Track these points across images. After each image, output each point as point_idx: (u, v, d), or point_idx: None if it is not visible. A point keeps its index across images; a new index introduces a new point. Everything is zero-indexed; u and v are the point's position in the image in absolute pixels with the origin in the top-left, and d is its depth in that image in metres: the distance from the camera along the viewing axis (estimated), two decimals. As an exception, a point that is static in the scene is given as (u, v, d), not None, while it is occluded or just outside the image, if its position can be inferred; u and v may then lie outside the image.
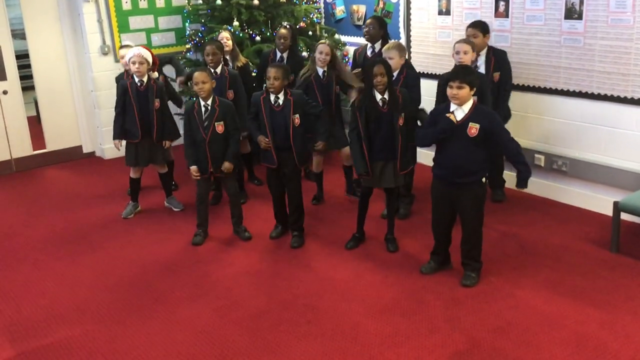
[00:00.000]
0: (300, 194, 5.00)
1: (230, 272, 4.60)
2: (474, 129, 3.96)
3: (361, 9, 7.03)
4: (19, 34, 7.41)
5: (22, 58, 7.31)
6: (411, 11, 6.43)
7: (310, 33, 6.94)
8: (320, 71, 5.38)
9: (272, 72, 4.68)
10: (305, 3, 7.29)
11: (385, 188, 4.71)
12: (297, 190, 4.97)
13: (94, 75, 7.15)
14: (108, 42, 7.18)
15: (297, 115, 4.75)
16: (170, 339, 3.81)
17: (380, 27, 5.62)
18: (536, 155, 5.54)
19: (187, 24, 7.43)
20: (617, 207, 4.57)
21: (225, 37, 5.87)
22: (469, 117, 3.99)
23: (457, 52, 4.82)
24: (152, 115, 5.34)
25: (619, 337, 3.61)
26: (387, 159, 4.55)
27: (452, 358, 3.50)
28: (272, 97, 4.76)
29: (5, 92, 6.92)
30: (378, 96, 4.48)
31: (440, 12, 6.12)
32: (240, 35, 6.57)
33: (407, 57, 5.02)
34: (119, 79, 5.78)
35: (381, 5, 6.75)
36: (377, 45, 5.63)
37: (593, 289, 4.13)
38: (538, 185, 5.66)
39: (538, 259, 4.56)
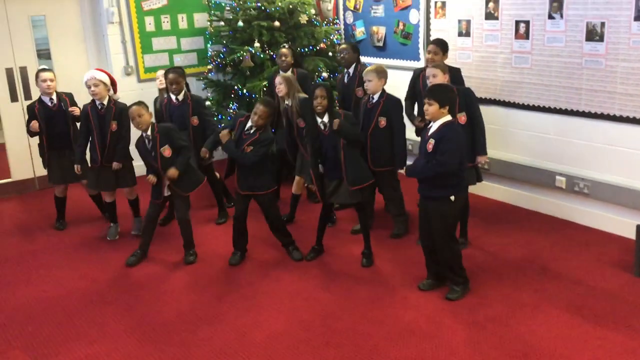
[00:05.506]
0: (277, 216, 5.05)
1: (249, 292, 4.60)
2: (430, 144, 4.13)
3: (381, 31, 7.07)
4: (44, 54, 7.55)
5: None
6: (431, 33, 6.46)
7: (330, 54, 7.00)
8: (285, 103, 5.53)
9: (259, 109, 4.74)
10: (326, 24, 7.37)
11: (355, 206, 4.91)
12: (272, 212, 5.01)
13: (117, 95, 7.23)
14: (131, 62, 7.30)
15: (251, 147, 4.78)
16: (188, 358, 3.81)
17: (354, 51, 5.83)
18: (557, 177, 5.51)
19: (209, 45, 7.53)
20: (640, 230, 4.53)
21: (161, 74, 6.00)
22: (432, 134, 4.15)
23: (427, 77, 4.94)
24: (107, 138, 5.36)
25: (643, 363, 3.56)
26: (341, 177, 4.77)
27: (472, 382, 3.47)
28: (248, 124, 4.84)
29: (30, 112, 7.04)
30: (318, 120, 4.70)
31: (460, 34, 6.15)
32: (262, 56, 6.65)
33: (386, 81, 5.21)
34: (31, 108, 5.67)
35: (401, 26, 6.79)
36: (351, 70, 5.82)
37: (616, 313, 4.07)
38: (559, 207, 5.62)
39: (560, 282, 4.51)
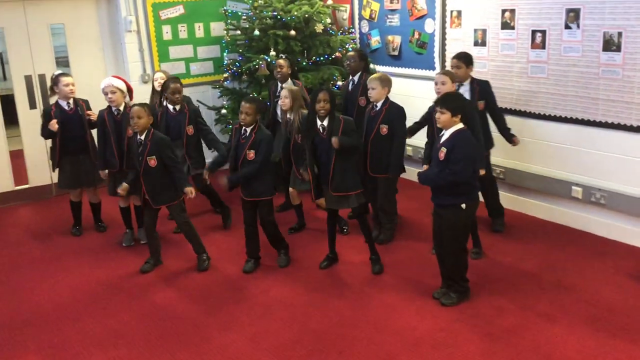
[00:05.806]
0: (272, 222, 5.04)
1: (264, 300, 4.61)
2: (442, 153, 4.13)
3: (396, 40, 7.08)
4: (62, 62, 7.64)
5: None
6: (446, 42, 6.46)
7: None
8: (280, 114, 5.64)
9: (245, 107, 4.77)
10: (341, 34, 7.40)
11: (353, 213, 4.98)
12: (268, 219, 5.01)
13: (134, 102, 7.30)
14: (148, 71, 7.38)
15: (252, 150, 4.80)
16: (203, 365, 3.83)
17: (361, 60, 5.89)
18: (574, 188, 5.47)
19: (225, 54, 7.59)
20: (658, 242, 4.49)
21: (160, 77, 6.05)
22: (444, 142, 4.15)
23: (436, 83, 4.93)
24: (124, 143, 5.42)
25: (661, 376, 3.52)
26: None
27: (487, 393, 3.45)
28: (242, 130, 4.88)
29: (48, 119, 7.12)
30: (318, 122, 4.73)
31: (475, 43, 6.14)
32: (277, 64, 6.68)
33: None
34: (47, 111, 5.75)
35: (416, 35, 6.79)
36: (356, 78, 5.86)
37: (633, 326, 4.03)
38: (575, 218, 5.58)
39: (575, 293, 4.47)
